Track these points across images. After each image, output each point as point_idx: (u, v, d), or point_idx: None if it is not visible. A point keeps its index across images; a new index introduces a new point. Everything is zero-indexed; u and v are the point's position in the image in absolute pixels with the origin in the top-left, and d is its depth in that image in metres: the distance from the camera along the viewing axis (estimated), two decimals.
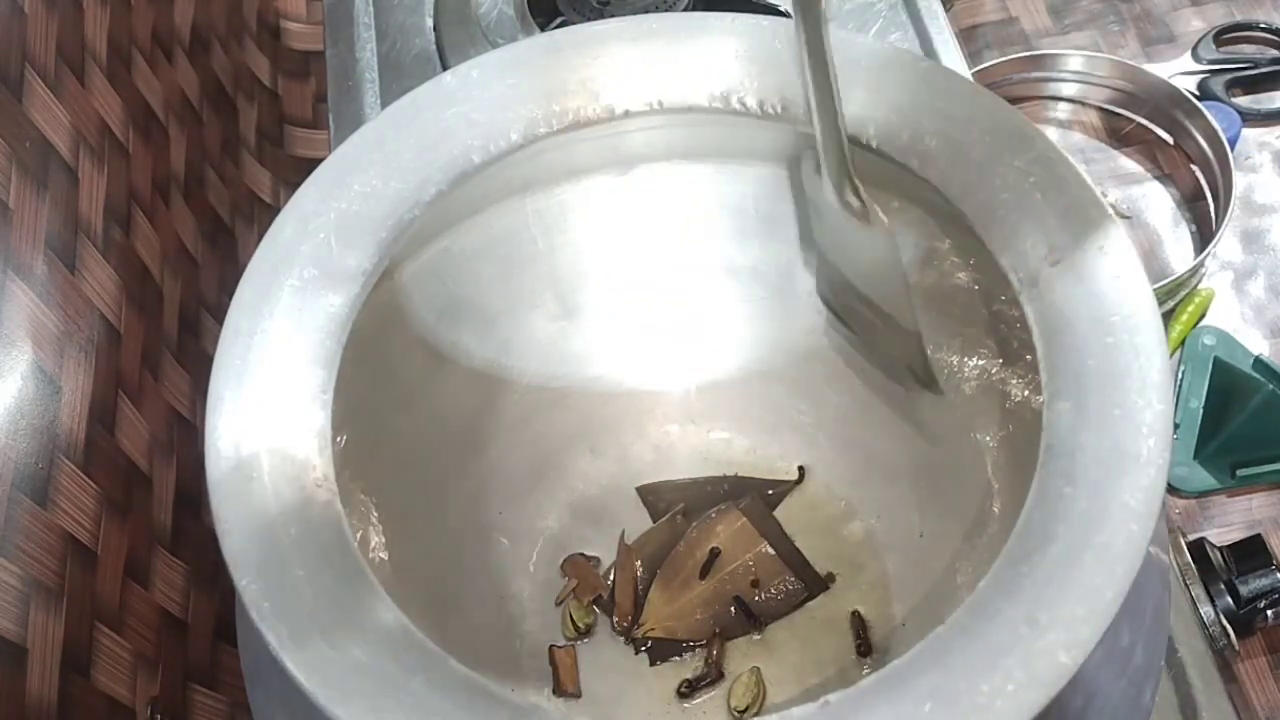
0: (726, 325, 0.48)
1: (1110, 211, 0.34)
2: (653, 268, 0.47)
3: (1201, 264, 0.80)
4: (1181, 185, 0.87)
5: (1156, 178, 0.88)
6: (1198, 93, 0.89)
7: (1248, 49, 0.93)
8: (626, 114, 0.39)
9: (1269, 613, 0.61)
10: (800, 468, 0.49)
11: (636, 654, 0.45)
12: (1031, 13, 0.97)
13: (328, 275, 0.35)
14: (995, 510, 0.41)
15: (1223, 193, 0.83)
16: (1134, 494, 0.29)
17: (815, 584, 0.46)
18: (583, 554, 0.47)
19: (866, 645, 0.44)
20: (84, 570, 0.44)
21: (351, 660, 0.29)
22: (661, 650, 0.45)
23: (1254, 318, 0.81)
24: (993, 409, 0.41)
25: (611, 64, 0.40)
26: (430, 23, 0.64)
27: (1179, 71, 0.90)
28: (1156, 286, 0.78)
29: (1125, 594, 0.28)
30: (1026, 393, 0.40)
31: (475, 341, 0.45)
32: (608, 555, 0.48)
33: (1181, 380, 0.78)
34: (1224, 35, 0.93)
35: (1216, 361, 0.77)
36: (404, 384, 0.43)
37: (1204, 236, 0.84)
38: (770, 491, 0.48)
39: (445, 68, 0.62)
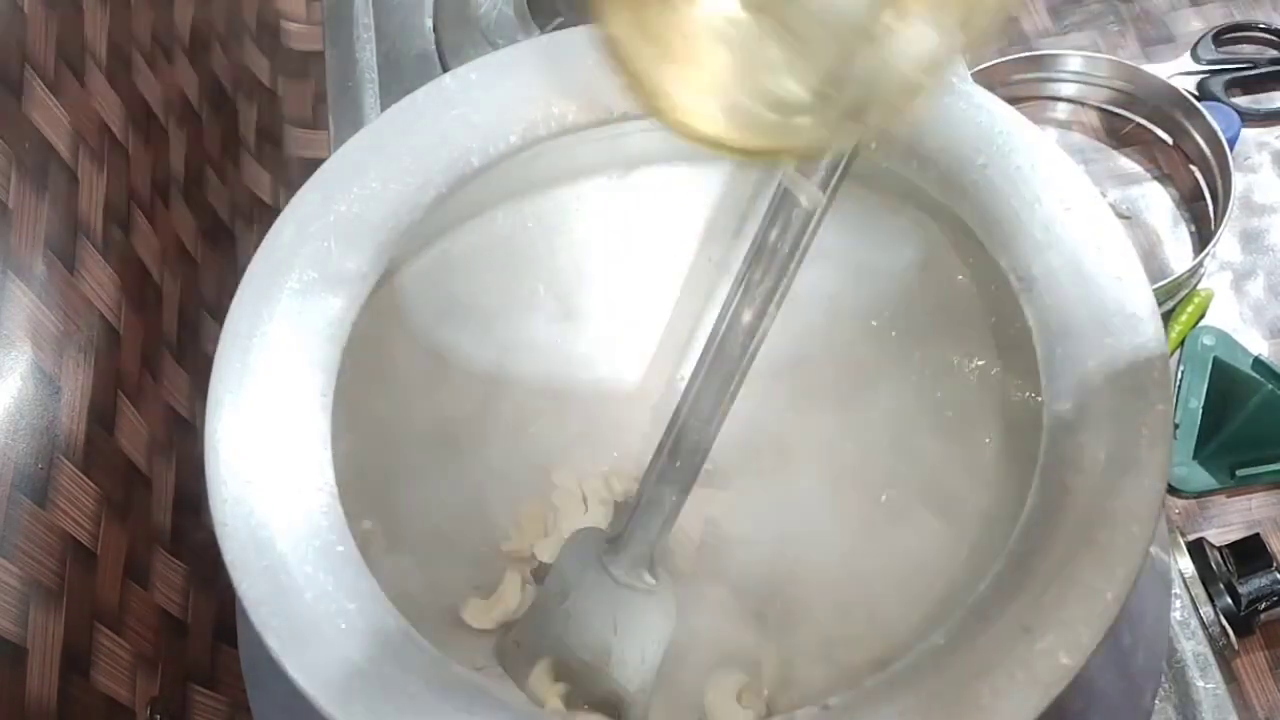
0: None
1: (1110, 212, 0.34)
2: (652, 269, 0.47)
3: (1201, 264, 0.80)
4: (1181, 185, 0.87)
5: (1156, 178, 0.88)
6: (1197, 93, 0.89)
7: (1247, 49, 0.93)
8: (625, 116, 0.40)
9: (1268, 612, 0.61)
10: None
11: None
12: (1031, 13, 0.97)
13: (327, 278, 0.35)
14: (996, 511, 0.41)
15: (1222, 193, 0.84)
16: (1134, 495, 0.29)
17: None
18: None
19: None
20: (84, 570, 0.44)
21: (352, 663, 0.29)
22: None
23: (1253, 318, 0.81)
24: (993, 409, 0.41)
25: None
26: (430, 23, 0.64)
27: (1178, 72, 0.90)
28: (1156, 286, 0.78)
29: (1126, 595, 0.28)
30: (1026, 393, 0.40)
31: (475, 344, 0.45)
32: None
33: (1181, 380, 0.78)
34: (1223, 35, 0.93)
35: (1216, 361, 0.77)
36: (404, 386, 0.43)
37: (1203, 237, 0.84)
38: None
39: (445, 69, 0.62)
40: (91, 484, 0.46)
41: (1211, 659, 0.45)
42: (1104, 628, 0.27)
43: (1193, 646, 0.45)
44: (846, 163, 0.35)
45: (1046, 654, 0.27)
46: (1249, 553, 0.61)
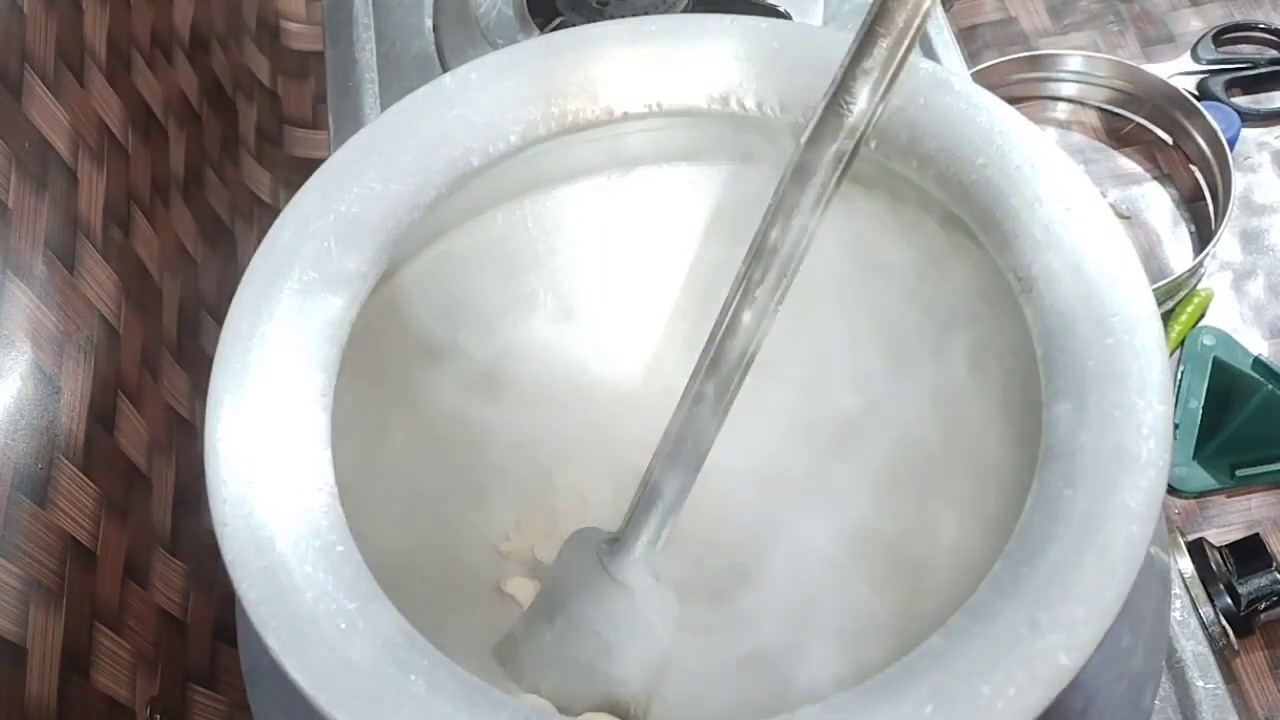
0: None
1: (1110, 212, 0.34)
2: (652, 269, 0.47)
3: (1201, 264, 0.80)
4: (1181, 185, 0.87)
5: (1156, 178, 0.88)
6: (1197, 93, 0.89)
7: (1247, 49, 0.93)
8: (625, 116, 0.40)
9: (1268, 612, 0.61)
10: None
11: None
12: (1031, 13, 0.97)
13: (327, 278, 0.35)
14: (995, 512, 0.41)
15: (1222, 193, 0.84)
16: (1134, 495, 0.29)
17: None
18: None
19: None
20: (84, 570, 0.44)
21: (352, 663, 0.29)
22: None
23: (1253, 318, 0.81)
24: (992, 409, 0.41)
25: (610, 66, 0.40)
26: (429, 23, 0.64)
27: (1178, 72, 0.90)
28: (1156, 286, 0.78)
29: (1126, 595, 0.28)
30: (1026, 393, 0.40)
31: (475, 344, 0.45)
32: None
33: (1181, 380, 0.78)
34: (1223, 35, 0.93)
35: (1216, 361, 0.77)
36: (403, 387, 0.43)
37: (1203, 237, 0.84)
38: None
39: (444, 68, 0.62)
40: (91, 484, 0.46)
41: (1211, 659, 0.45)
42: (1104, 628, 0.27)
43: (1192, 646, 0.45)
44: (846, 162, 0.35)
45: (1046, 654, 0.27)
46: (1249, 553, 0.62)
